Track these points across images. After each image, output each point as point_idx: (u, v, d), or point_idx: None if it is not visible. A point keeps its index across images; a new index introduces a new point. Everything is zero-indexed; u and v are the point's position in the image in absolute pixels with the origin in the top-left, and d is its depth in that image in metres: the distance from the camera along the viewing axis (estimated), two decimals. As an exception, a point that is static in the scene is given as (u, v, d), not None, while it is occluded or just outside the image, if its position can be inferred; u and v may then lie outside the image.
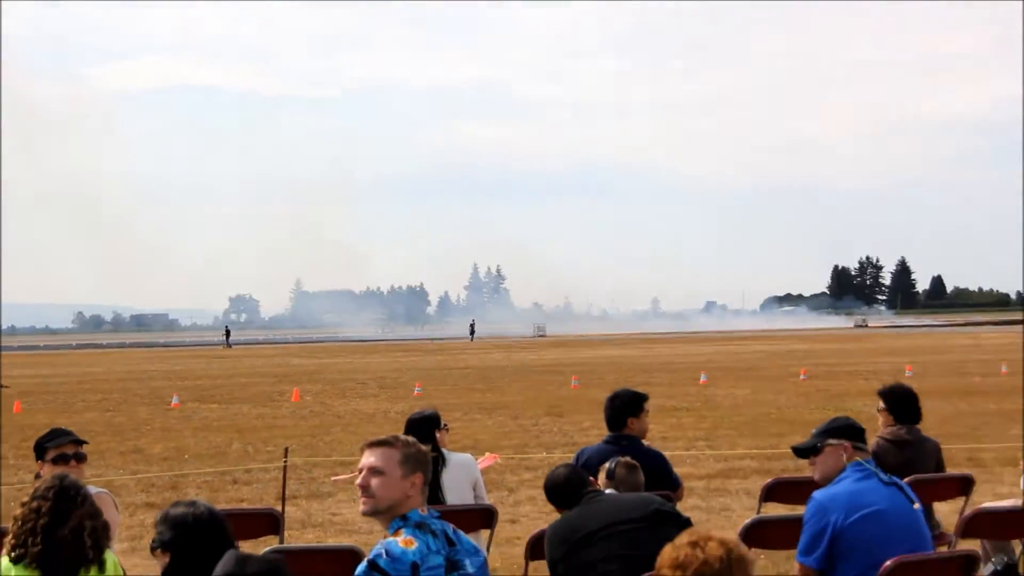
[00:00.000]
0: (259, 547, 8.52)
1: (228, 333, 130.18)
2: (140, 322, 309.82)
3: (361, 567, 5.40)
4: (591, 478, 8.10)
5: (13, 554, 6.33)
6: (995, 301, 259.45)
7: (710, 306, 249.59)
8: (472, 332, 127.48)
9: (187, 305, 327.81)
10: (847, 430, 7.74)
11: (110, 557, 6.61)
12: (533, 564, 8.54)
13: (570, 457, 10.16)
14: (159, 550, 5.61)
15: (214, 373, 59.71)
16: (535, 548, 8.37)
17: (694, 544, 4.02)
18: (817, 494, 7.49)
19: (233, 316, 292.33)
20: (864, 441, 7.81)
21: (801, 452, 7.86)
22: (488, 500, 10.17)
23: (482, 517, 9.51)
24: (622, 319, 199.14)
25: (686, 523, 7.13)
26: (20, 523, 6.35)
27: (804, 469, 9.17)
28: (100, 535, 6.65)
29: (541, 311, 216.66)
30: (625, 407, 9.70)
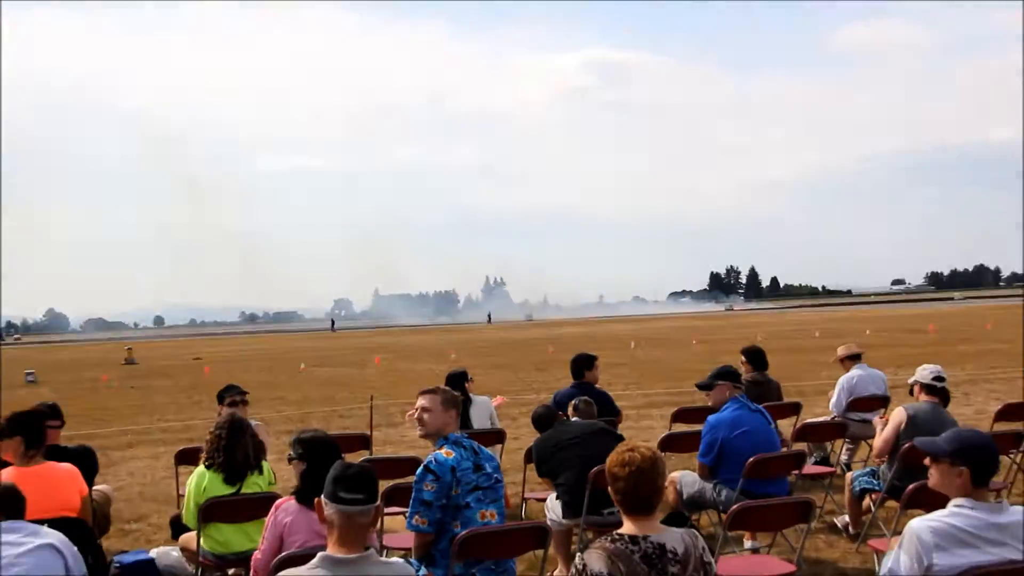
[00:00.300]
0: (356, 458, 9.35)
1: (333, 323, 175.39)
2: (279, 317, 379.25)
3: (420, 469, 6.62)
4: (560, 413, 9.99)
5: (207, 463, 8.16)
6: (808, 292, 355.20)
7: (636, 299, 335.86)
8: (489, 319, 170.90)
9: (307, 305, 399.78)
10: (729, 375, 9.68)
11: (265, 466, 8.36)
12: (528, 465, 10.40)
13: (549, 399, 11.75)
14: (296, 461, 6.74)
15: (326, 348, 71.88)
16: (529, 455, 10.17)
17: (631, 450, 4.68)
18: (711, 417, 9.32)
19: (336, 312, 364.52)
20: (740, 382, 9.68)
21: (701, 388, 9.78)
22: (499, 426, 11.92)
23: (496, 437, 11.19)
24: (578, 308, 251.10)
25: (621, 437, 8.84)
26: (210, 444, 8.23)
27: (699, 400, 11.23)
28: (259, 451, 8.44)
29: (528, 305, 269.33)
30: (583, 364, 11.66)
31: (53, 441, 8.72)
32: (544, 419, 9.68)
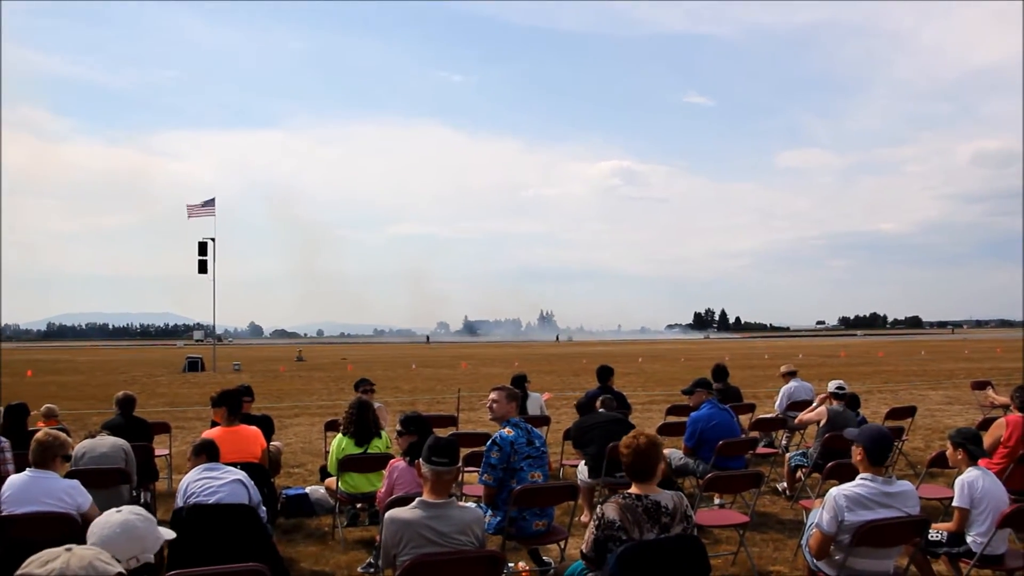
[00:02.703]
0: (447, 432, 9.28)
1: (428, 338, 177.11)
2: (399, 333, 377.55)
3: (488, 442, 6.59)
4: (595, 404, 9.71)
5: (344, 431, 8.21)
6: (760, 327, 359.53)
7: (642, 329, 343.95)
8: (557, 339, 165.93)
9: (420, 326, 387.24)
10: (705, 383, 9.65)
11: (384, 434, 8.38)
12: (566, 442, 10.33)
13: (582, 395, 11.61)
14: (404, 435, 6.99)
15: (428, 355, 70.33)
16: (567, 434, 10.11)
17: (636, 435, 4.63)
18: (692, 414, 9.23)
19: (438, 331, 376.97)
20: (712, 389, 9.61)
21: (685, 392, 9.76)
22: (547, 414, 11.69)
23: (544, 421, 11.03)
24: (602, 334, 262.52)
25: (631, 425, 8.57)
26: (346, 418, 8.26)
27: (684, 400, 11.07)
28: (379, 424, 8.53)
29: (569, 330, 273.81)
30: (605, 372, 11.40)
31: (246, 410, 8.82)
32: (584, 406, 9.64)
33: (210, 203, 43.49)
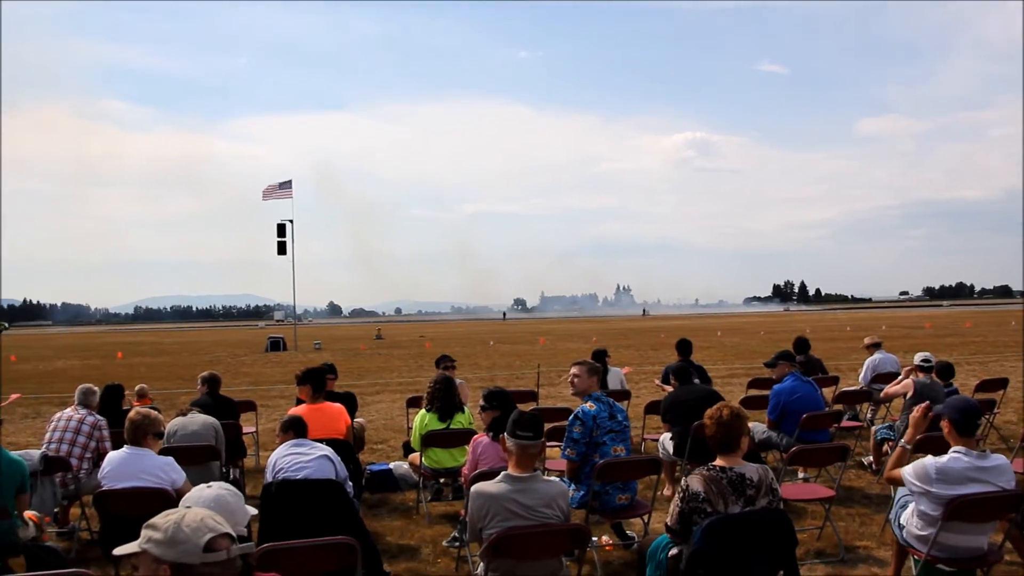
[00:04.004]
0: (527, 407, 8.85)
1: (504, 314, 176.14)
2: (476, 310, 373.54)
3: (571, 416, 6.59)
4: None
5: (427, 407, 8.26)
6: (841, 299, 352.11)
7: (720, 302, 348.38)
8: (644, 312, 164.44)
9: (495, 301, 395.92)
10: (788, 355, 9.48)
11: (466, 410, 8.44)
12: (648, 416, 10.54)
13: (660, 370, 11.70)
14: (488, 410, 7.00)
15: (505, 331, 71.37)
16: (648, 408, 10.30)
17: (721, 407, 4.62)
18: (775, 386, 9.11)
19: (514, 307, 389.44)
20: (795, 362, 9.44)
21: (767, 365, 9.59)
22: (627, 387, 11.65)
23: (624, 395, 11.02)
24: (680, 308, 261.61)
25: (720, 397, 8.33)
26: (429, 394, 8.33)
27: (766, 373, 10.92)
28: (462, 400, 8.61)
29: (645, 304, 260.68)
30: (686, 346, 11.30)
31: (329, 388, 8.96)
32: (679, 376, 9.28)
33: (286, 185, 44.20)
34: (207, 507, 3.35)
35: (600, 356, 10.92)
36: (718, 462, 4.54)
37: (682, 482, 4.54)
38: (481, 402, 7.02)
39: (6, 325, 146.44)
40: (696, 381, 9.64)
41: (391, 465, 9.67)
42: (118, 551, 2.53)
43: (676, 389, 9.02)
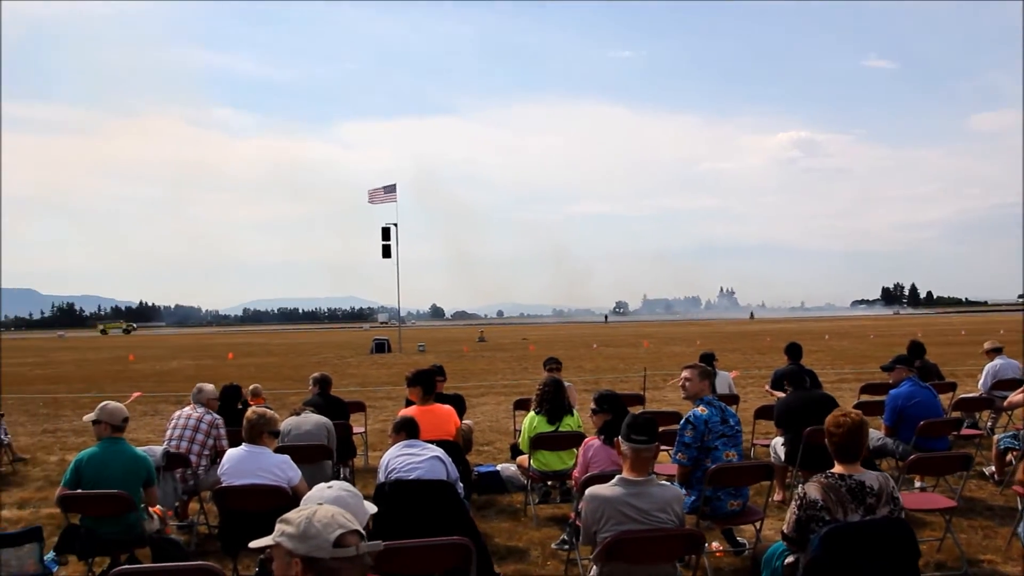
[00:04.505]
0: (634, 411, 9.75)
1: (606, 317, 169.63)
2: (578, 312, 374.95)
3: (683, 420, 6.60)
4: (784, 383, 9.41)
5: (536, 409, 8.29)
6: (954, 302, 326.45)
7: (827, 305, 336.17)
8: (752, 316, 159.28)
9: (599, 305, 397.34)
10: (906, 359, 9.18)
11: (575, 413, 8.41)
12: (757, 420, 10.38)
13: (767, 374, 11.45)
14: (600, 413, 6.95)
15: (608, 334, 70.46)
16: (757, 413, 10.17)
17: (846, 414, 4.54)
18: (892, 391, 8.85)
19: (616, 310, 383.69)
20: (913, 366, 9.13)
21: (885, 369, 9.30)
22: (735, 392, 11.51)
23: (733, 399, 10.81)
24: (787, 311, 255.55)
25: (835, 403, 8.01)
26: (538, 396, 8.33)
27: (879, 378, 10.58)
28: (571, 402, 8.61)
29: (751, 306, 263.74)
30: (796, 350, 11.05)
31: (439, 389, 9.06)
32: (791, 380, 9.06)
33: (391, 188, 44.94)
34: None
35: (708, 360, 10.78)
36: (837, 469, 4.45)
37: (799, 489, 4.47)
38: (592, 405, 7.02)
39: (134, 326, 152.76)
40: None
41: (498, 467, 9.72)
42: (254, 544, 2.64)
43: (790, 394, 8.83)
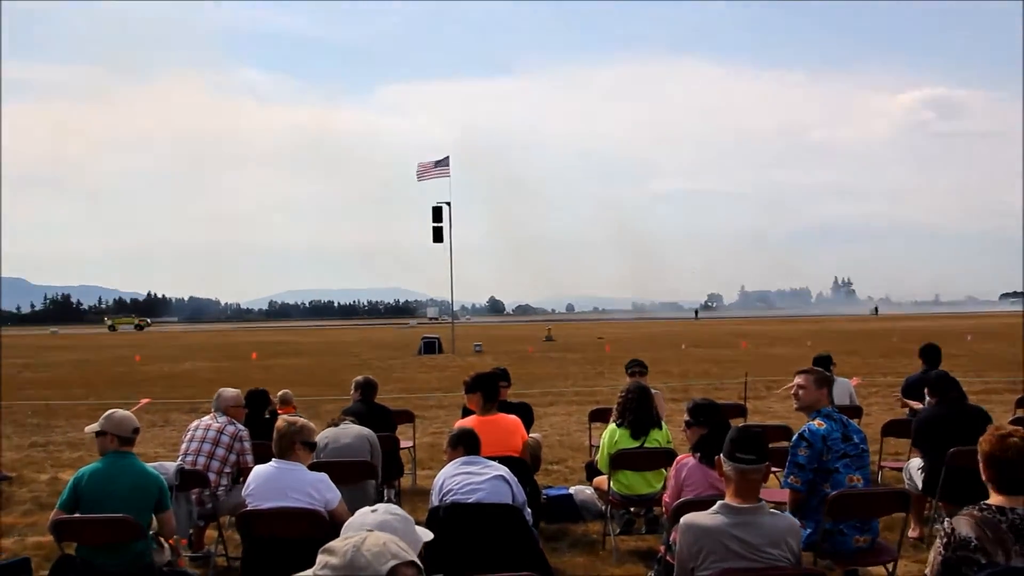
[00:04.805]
0: (734, 424, 9.61)
1: (697, 312, 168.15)
2: (664, 307, 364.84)
3: (795, 436, 6.52)
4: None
5: (617, 421, 8.27)
6: None
7: (969, 298, 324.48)
8: (876, 311, 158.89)
9: (687, 298, 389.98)
10: None
11: (664, 426, 8.36)
12: (886, 438, 10.17)
13: (897, 382, 11.24)
14: (695, 426, 6.85)
15: (697, 333, 70.86)
16: (885, 429, 10.05)
17: (1010, 434, 4.28)
18: None
19: (709, 304, 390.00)
20: None
21: None
22: (857, 402, 11.40)
23: (855, 411, 10.66)
24: (919, 306, 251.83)
25: (990, 419, 8.01)
26: (620, 405, 8.33)
27: None
28: (659, 413, 8.53)
29: (872, 300, 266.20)
30: (934, 353, 11.02)
31: (502, 397, 9.04)
32: (936, 383, 8.80)
33: (443, 162, 45.13)
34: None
35: (824, 363, 10.62)
36: (995, 500, 4.28)
37: (945, 524, 4.33)
38: (685, 416, 6.96)
39: (147, 321, 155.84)
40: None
41: (571, 490, 9.71)
42: (295, 579, 2.62)
43: (932, 405, 8.61)
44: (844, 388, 11.18)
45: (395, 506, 3.56)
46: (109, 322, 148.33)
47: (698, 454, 6.53)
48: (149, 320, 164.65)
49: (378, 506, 3.57)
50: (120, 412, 6.34)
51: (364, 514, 3.55)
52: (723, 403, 12.63)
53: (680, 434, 8.27)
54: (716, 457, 4.86)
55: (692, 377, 27.47)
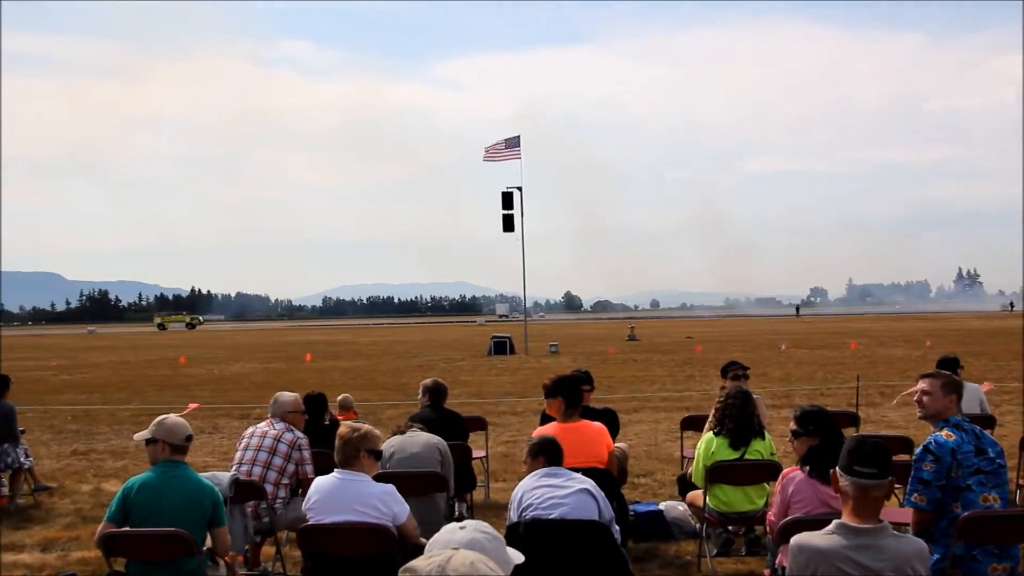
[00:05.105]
0: (848, 433, 8.32)
1: (798, 309, 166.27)
2: (761, 303, 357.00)
3: (919, 449, 6.30)
4: None
5: (715, 429, 8.22)
6: None
7: None
8: (1011, 306, 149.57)
9: (787, 293, 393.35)
10: None
11: (767, 436, 8.30)
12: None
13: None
14: (804, 436, 6.74)
15: (799, 331, 70.89)
16: None
17: None
18: None
19: (811, 299, 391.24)
20: None
21: None
22: (989, 411, 11.17)
23: (987, 421, 10.27)
24: None
25: None
26: (718, 412, 8.28)
27: None
28: (762, 420, 8.48)
29: (1004, 295, 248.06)
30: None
31: (585, 402, 9.04)
32: None
33: (514, 142, 45.27)
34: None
35: (951, 366, 10.42)
36: None
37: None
38: (792, 425, 6.89)
39: (199, 320, 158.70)
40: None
41: (662, 505, 9.71)
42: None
43: None
44: (974, 395, 10.97)
45: (484, 523, 3.55)
46: (158, 320, 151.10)
47: (807, 467, 6.49)
48: (201, 318, 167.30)
49: (466, 522, 3.58)
50: (172, 418, 6.43)
51: (452, 530, 3.55)
52: (834, 411, 12.60)
53: (783, 445, 8.19)
54: (832, 470, 4.79)
55: (794, 381, 27.20)
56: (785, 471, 6.80)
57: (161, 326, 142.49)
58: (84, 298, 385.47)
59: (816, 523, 4.79)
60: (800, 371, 31.17)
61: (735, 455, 8.12)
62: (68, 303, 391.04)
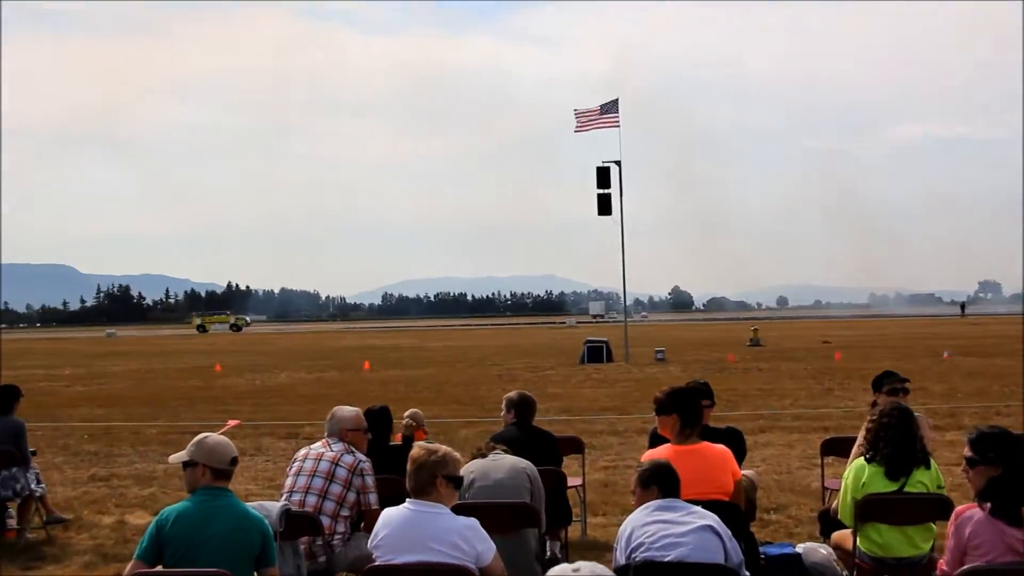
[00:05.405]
0: None
1: (963, 307, 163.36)
2: (915, 300, 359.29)
3: None
4: None
5: (867, 455, 8.03)
6: None
7: None
8: None
9: (949, 287, 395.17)
10: None
11: (933, 464, 8.09)
12: None
13: None
14: (982, 465, 6.53)
15: (965, 335, 68.84)
16: None
17: None
18: None
19: (981, 295, 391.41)
20: None
21: None
22: None
23: None
24: None
25: None
26: (871, 434, 8.07)
27: None
28: (926, 444, 8.32)
29: None
30: None
31: (705, 421, 8.95)
32: None
33: (611, 107, 45.19)
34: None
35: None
36: None
37: None
38: (966, 451, 6.74)
39: (247, 320, 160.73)
40: None
41: (799, 548, 9.59)
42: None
43: None
44: None
45: (601, 566, 3.53)
46: (198, 321, 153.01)
47: (988, 504, 6.35)
48: (248, 319, 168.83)
49: (580, 565, 3.58)
50: (214, 437, 6.43)
51: (563, 570, 3.53)
52: (1016, 433, 12.36)
53: (950, 475, 8.00)
54: (1022, 508, 4.69)
55: (961, 398, 26.77)
56: (960, 508, 6.64)
57: (202, 328, 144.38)
58: (102, 295, 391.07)
59: (1001, 574, 4.73)
60: (969, 385, 30.58)
61: (893, 487, 7.94)
62: (83, 301, 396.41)
